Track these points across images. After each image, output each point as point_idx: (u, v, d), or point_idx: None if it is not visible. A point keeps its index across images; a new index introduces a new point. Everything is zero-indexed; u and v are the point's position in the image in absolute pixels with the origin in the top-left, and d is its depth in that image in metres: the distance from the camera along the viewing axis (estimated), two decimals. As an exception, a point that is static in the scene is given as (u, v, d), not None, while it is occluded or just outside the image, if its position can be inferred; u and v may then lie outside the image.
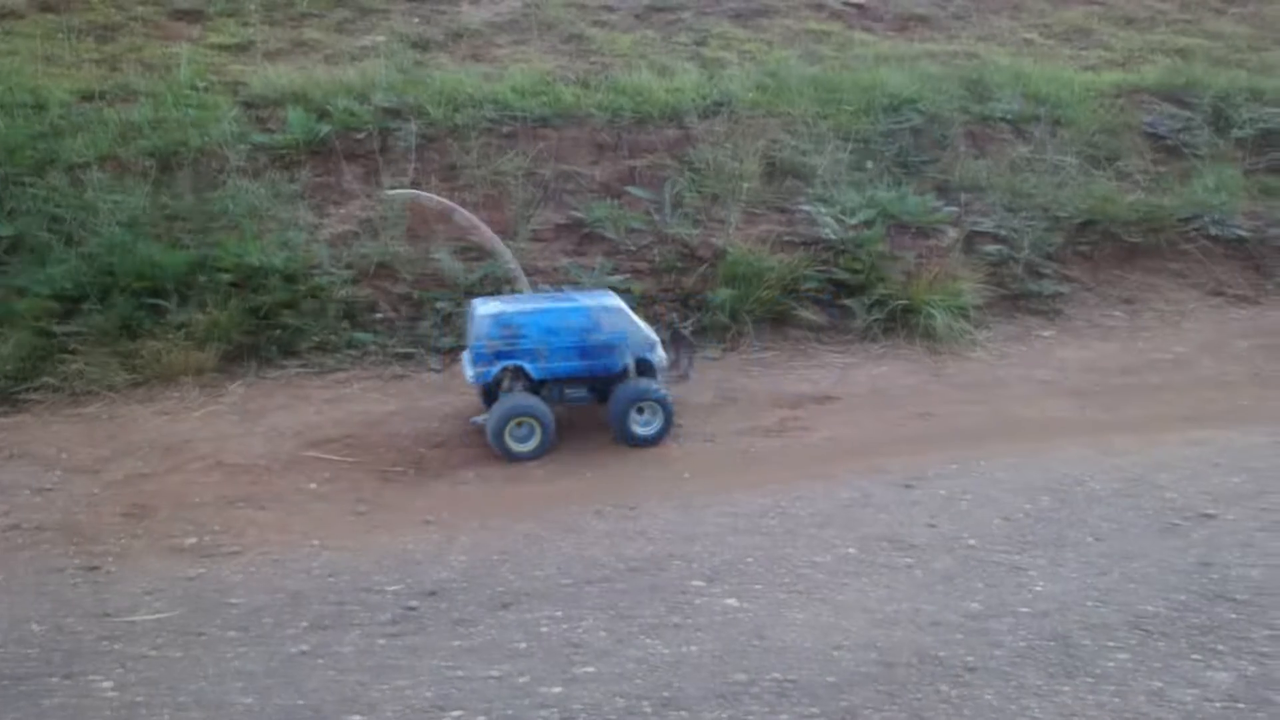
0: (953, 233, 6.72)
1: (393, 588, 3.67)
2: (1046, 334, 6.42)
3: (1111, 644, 3.18)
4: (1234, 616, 3.34)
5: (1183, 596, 3.47)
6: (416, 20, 8.88)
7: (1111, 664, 3.07)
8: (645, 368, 5.13)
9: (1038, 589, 3.55)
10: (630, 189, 6.86)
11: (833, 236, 6.45)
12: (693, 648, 3.21)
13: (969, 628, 3.30)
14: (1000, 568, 3.73)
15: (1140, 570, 3.68)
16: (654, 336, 5.18)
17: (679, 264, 6.45)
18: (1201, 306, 6.85)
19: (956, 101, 7.71)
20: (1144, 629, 3.26)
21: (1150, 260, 7.01)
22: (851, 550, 3.92)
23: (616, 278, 6.26)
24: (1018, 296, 6.65)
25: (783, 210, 6.78)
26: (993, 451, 4.93)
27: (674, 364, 5.43)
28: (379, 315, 6.13)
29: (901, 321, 6.26)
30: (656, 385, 5.10)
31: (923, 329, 6.21)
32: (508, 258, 5.47)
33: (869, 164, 7.05)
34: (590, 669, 3.09)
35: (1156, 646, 3.16)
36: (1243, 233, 7.20)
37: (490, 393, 5.16)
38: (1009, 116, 7.68)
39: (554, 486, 4.76)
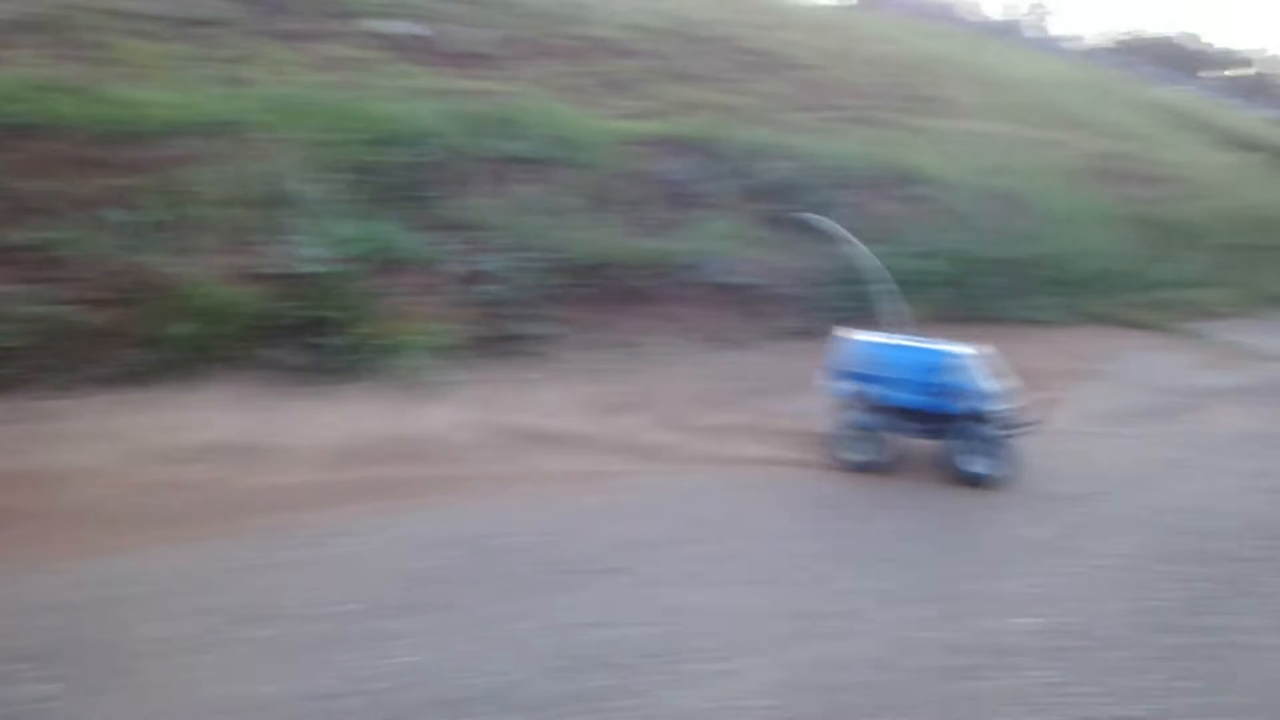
0: (451, 271, 6.53)
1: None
2: (533, 376, 6.33)
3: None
4: (607, 683, 3.25)
5: (561, 662, 3.36)
6: None
7: None
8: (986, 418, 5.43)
9: (403, 659, 3.34)
10: (108, 211, 6.18)
11: (319, 270, 6.09)
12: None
13: (309, 710, 3.04)
14: (374, 636, 3.49)
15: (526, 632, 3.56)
16: (994, 390, 5.44)
17: (140, 295, 5.85)
18: (695, 351, 7.05)
19: (482, 140, 7.61)
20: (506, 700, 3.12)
21: (652, 305, 7.16)
22: (213, 620, 3.56)
23: (62, 308, 5.60)
24: (509, 338, 6.54)
25: (272, 240, 6.32)
26: (417, 504, 4.74)
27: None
28: None
29: (381, 362, 5.96)
30: (990, 430, 5.38)
31: (402, 370, 5.95)
32: (888, 287, 5.93)
33: (361, 197, 6.74)
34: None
35: None
36: (741, 280, 7.52)
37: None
38: (532, 156, 7.66)
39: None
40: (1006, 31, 21.34)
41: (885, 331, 5.76)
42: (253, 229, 6.35)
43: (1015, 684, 3.33)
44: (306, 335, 5.93)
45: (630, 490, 5.04)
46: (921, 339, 5.67)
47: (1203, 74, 30.79)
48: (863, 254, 6.17)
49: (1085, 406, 7.25)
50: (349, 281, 6.12)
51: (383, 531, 4.40)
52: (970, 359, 5.48)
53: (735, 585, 4.02)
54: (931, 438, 5.56)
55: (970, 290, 8.87)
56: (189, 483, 4.79)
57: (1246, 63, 38.08)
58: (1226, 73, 34.48)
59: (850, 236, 6.36)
